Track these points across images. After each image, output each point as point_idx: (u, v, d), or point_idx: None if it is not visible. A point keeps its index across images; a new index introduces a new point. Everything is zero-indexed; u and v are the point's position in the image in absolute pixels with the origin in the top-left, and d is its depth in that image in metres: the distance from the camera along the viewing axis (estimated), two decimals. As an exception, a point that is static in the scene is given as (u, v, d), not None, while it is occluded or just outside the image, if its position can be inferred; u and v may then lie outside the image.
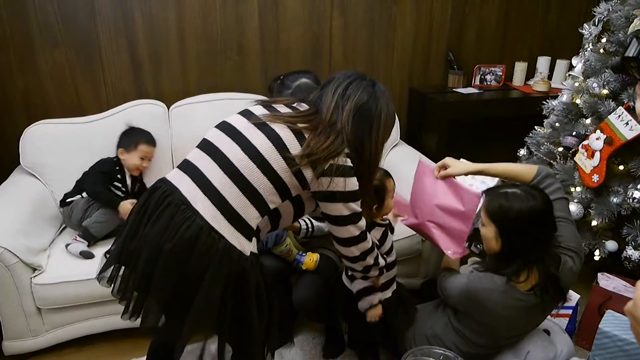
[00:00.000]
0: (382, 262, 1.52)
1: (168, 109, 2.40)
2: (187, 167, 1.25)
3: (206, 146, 1.27)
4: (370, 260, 1.44)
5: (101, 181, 2.08)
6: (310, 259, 1.84)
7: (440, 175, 1.71)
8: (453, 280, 1.64)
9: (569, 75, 2.41)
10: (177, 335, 1.20)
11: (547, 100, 2.46)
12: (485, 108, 2.89)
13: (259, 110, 1.30)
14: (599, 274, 2.05)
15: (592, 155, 2.06)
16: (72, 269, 1.86)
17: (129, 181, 2.19)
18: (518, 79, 3.05)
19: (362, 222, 1.36)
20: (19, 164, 2.20)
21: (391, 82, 2.91)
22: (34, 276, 1.82)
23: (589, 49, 2.26)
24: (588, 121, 2.17)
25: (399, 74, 2.92)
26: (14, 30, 2.23)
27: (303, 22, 2.63)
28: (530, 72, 3.08)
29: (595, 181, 2.03)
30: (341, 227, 1.32)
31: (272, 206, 1.24)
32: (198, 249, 1.14)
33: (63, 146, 2.19)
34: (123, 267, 1.28)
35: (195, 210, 1.16)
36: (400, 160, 2.50)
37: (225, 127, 1.28)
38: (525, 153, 2.53)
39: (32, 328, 1.86)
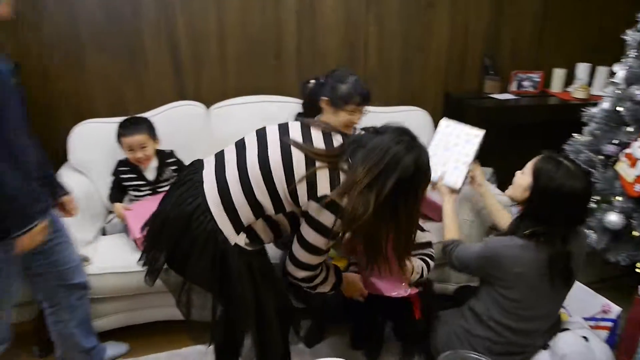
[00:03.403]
0: (322, 289, 1.48)
1: (207, 109, 2.47)
2: (219, 155, 1.40)
3: (240, 143, 1.38)
4: (308, 285, 1.42)
5: (114, 189, 2.22)
6: (340, 260, 1.87)
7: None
8: (466, 248, 1.66)
9: (611, 82, 2.36)
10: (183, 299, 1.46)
11: (587, 108, 2.42)
12: (522, 114, 2.86)
13: (295, 132, 1.32)
14: (640, 286, 2.00)
15: (634, 164, 2.01)
16: (117, 261, 1.93)
17: (149, 172, 2.20)
18: (557, 86, 3.00)
19: (323, 256, 1.36)
20: (67, 161, 2.30)
21: (426, 87, 2.91)
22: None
23: (632, 56, 2.21)
24: (631, 129, 2.12)
25: (435, 79, 2.92)
26: (63, 35, 2.34)
27: (339, 28, 2.67)
28: (569, 79, 3.03)
29: (638, 190, 1.98)
30: (305, 251, 1.32)
31: (267, 213, 1.30)
32: (191, 224, 1.28)
33: (108, 145, 2.26)
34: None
35: (202, 191, 1.30)
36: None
37: (260, 133, 1.37)
38: (563, 160, 2.49)
39: (76, 318, 1.94)
